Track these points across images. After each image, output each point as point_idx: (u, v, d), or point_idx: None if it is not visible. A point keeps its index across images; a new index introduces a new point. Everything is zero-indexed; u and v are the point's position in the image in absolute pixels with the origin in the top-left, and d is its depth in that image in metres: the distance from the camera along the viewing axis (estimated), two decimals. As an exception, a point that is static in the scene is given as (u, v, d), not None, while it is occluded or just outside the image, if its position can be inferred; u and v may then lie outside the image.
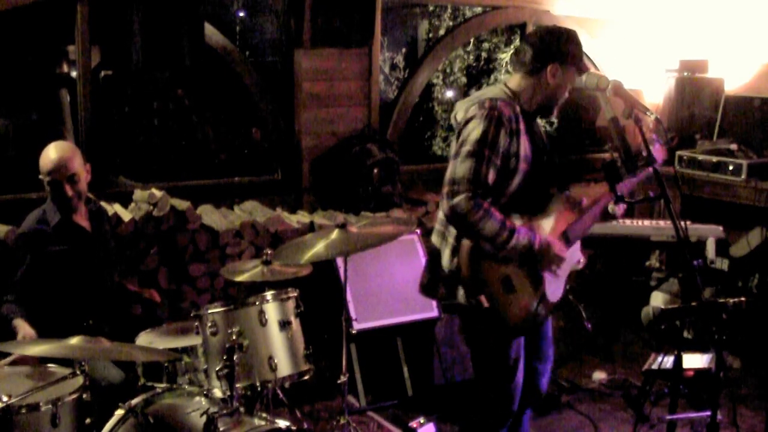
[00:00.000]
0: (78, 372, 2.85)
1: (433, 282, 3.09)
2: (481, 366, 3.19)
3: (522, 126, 2.95)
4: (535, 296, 2.97)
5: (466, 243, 2.89)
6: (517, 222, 2.92)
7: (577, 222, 3.10)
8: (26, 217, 3.55)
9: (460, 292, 2.95)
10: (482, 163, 2.81)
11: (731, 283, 5.24)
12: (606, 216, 3.19)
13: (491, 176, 2.84)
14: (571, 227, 3.08)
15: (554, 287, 3.04)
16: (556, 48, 2.99)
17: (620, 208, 3.16)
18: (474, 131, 2.87)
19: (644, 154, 3.06)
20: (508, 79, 3.11)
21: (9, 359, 3.08)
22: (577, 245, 3.17)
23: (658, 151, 3.11)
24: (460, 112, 3.03)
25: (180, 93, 6.11)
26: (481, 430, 3.23)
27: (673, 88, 6.00)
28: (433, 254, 3.11)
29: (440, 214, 3.05)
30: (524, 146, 2.95)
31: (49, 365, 3.03)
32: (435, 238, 3.12)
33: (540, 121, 3.22)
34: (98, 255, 3.60)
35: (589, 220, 3.14)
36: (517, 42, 7.31)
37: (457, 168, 2.86)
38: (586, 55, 6.33)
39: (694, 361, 4.14)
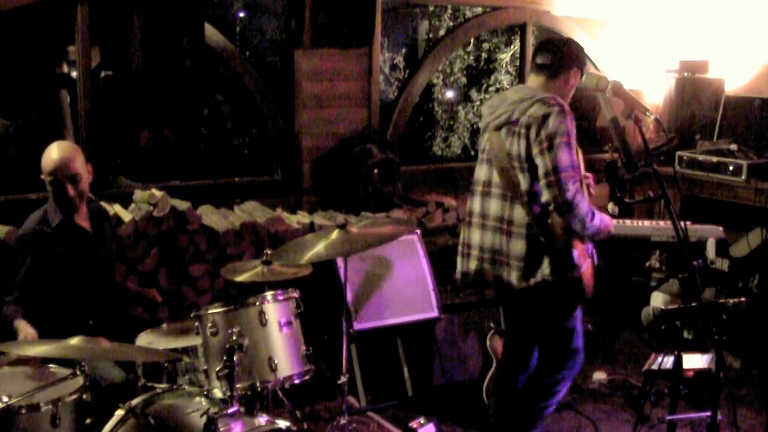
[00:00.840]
0: (78, 372, 2.85)
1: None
2: (555, 335, 3.54)
3: None
4: (592, 264, 3.42)
5: (558, 222, 3.24)
6: None
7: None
8: (27, 217, 3.55)
9: (544, 270, 3.28)
10: (573, 151, 3.19)
11: (731, 283, 5.24)
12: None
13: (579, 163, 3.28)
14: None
15: (599, 256, 3.51)
16: (575, 54, 3.38)
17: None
18: (561, 125, 3.17)
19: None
20: (531, 82, 3.41)
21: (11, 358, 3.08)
22: None
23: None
24: (516, 113, 3.27)
25: (192, 95, 6.10)
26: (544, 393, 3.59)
27: (673, 88, 6.00)
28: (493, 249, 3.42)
29: (493, 212, 3.40)
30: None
31: (50, 365, 3.03)
32: (490, 236, 3.42)
33: None
34: (98, 256, 3.60)
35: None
36: (517, 42, 7.32)
37: (559, 157, 3.16)
38: (587, 56, 6.35)
39: (694, 361, 4.14)
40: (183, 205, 4.51)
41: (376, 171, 5.11)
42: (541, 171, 3.19)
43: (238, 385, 2.93)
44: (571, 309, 3.50)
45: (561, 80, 3.35)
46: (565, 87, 3.37)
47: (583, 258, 3.33)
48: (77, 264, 3.50)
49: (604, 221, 3.32)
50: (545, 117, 3.17)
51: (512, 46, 8.20)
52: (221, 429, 2.76)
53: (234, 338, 2.88)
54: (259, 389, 3.16)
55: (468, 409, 4.35)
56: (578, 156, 3.26)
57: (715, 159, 5.41)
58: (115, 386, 3.28)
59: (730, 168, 5.29)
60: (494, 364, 4.31)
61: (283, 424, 2.96)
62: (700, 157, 5.51)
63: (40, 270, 3.44)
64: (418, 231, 4.64)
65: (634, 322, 5.52)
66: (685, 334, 4.95)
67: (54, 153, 3.40)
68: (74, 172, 3.40)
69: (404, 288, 4.44)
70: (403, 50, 8.24)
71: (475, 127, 8.48)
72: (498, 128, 3.34)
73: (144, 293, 3.89)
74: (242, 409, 2.93)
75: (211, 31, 4.88)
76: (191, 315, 3.24)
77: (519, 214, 3.30)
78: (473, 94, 8.47)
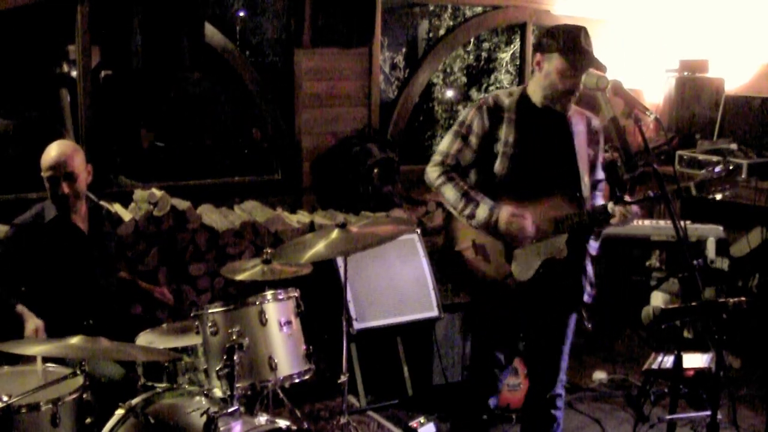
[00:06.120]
0: (78, 372, 2.85)
1: None
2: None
3: (512, 116, 3.19)
4: (502, 267, 3.19)
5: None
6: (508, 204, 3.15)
7: (568, 216, 3.17)
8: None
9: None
10: (456, 139, 3.23)
11: (731, 283, 5.24)
12: (605, 217, 3.20)
13: (465, 153, 3.22)
14: (560, 217, 3.16)
15: (523, 267, 3.19)
16: (539, 40, 3.21)
17: (635, 209, 3.20)
18: (461, 114, 3.29)
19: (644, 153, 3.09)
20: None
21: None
22: (563, 237, 3.19)
23: None
24: None
25: (192, 94, 6.09)
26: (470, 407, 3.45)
27: (673, 88, 6.00)
28: None
29: None
30: (507, 133, 3.18)
31: (49, 365, 3.03)
32: None
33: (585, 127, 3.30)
34: (94, 256, 3.60)
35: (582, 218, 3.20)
36: (517, 41, 7.32)
37: (442, 141, 3.29)
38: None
39: (694, 361, 4.14)
40: (183, 204, 4.51)
41: (376, 170, 5.11)
42: None
43: (238, 385, 2.92)
44: (471, 294, 3.45)
45: (534, 72, 3.21)
46: (539, 76, 3.19)
47: (475, 246, 3.23)
48: (72, 263, 3.50)
49: (489, 212, 3.13)
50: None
51: (512, 46, 8.21)
52: (221, 428, 2.76)
53: (234, 337, 2.88)
54: (259, 389, 3.16)
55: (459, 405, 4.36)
56: (462, 147, 3.22)
57: (715, 158, 5.41)
58: (115, 383, 3.28)
59: (730, 167, 5.28)
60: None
61: (283, 423, 2.96)
62: (700, 157, 5.50)
63: (34, 266, 3.45)
64: (418, 230, 4.64)
65: (634, 322, 5.53)
66: (685, 334, 4.95)
67: (53, 151, 3.44)
68: (70, 170, 3.42)
69: (404, 287, 4.44)
70: (403, 50, 8.25)
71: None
72: None
73: (154, 293, 3.88)
74: (242, 409, 2.92)
75: (211, 31, 4.88)
76: (191, 314, 3.24)
77: None
78: (473, 93, 8.47)
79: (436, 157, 3.25)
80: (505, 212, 3.12)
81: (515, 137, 3.16)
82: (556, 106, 3.20)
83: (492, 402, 3.41)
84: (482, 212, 3.12)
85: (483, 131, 3.18)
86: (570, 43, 3.08)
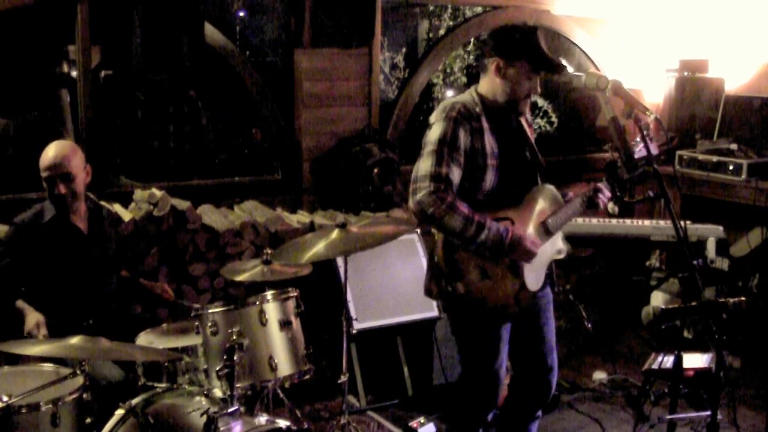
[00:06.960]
0: (78, 372, 2.85)
1: (428, 280, 3.18)
2: (462, 354, 3.25)
3: (486, 125, 3.04)
4: (514, 284, 3.05)
5: (440, 235, 3.02)
6: (499, 214, 3.01)
7: (556, 213, 3.15)
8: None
9: (428, 284, 3.11)
10: (442, 159, 2.92)
11: (731, 283, 5.25)
12: (591, 205, 3.22)
13: (455, 173, 2.95)
14: (550, 218, 3.13)
15: (534, 277, 3.11)
16: (498, 44, 3.09)
17: (605, 197, 3.22)
18: (434, 132, 2.99)
19: (644, 153, 3.09)
20: (479, 83, 3.18)
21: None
22: (559, 235, 3.22)
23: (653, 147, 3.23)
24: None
25: (192, 94, 6.09)
26: (466, 421, 3.28)
27: (673, 88, 6.00)
28: (431, 254, 3.19)
29: None
30: (489, 144, 3.03)
31: (49, 365, 3.04)
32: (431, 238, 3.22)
33: (539, 121, 3.28)
34: (93, 256, 3.60)
35: (570, 211, 3.19)
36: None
37: (420, 166, 2.97)
38: (585, 54, 6.35)
39: (694, 361, 4.14)
40: (183, 204, 4.51)
41: (376, 170, 5.11)
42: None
43: (238, 385, 2.93)
44: (475, 328, 3.12)
45: (491, 75, 3.08)
46: (498, 80, 3.07)
47: (482, 272, 2.99)
48: (71, 263, 3.51)
49: (499, 234, 2.93)
50: (431, 126, 3.04)
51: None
52: (221, 428, 2.76)
53: (234, 338, 2.88)
54: (259, 389, 3.16)
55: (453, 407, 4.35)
56: (451, 167, 2.92)
57: (715, 158, 5.41)
58: (115, 385, 3.28)
59: (730, 167, 5.29)
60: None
61: (283, 423, 2.96)
62: (700, 157, 5.51)
63: (33, 265, 3.45)
64: (418, 230, 4.64)
65: (634, 322, 5.54)
66: (685, 334, 4.96)
67: (51, 151, 3.46)
68: (67, 170, 3.43)
69: (404, 288, 4.44)
70: (403, 50, 8.23)
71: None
72: None
73: (155, 290, 3.89)
74: (242, 409, 2.93)
75: (211, 31, 4.88)
76: (191, 314, 3.24)
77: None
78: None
79: (426, 185, 2.89)
80: (516, 230, 2.99)
81: (498, 147, 3.04)
82: (515, 109, 3.12)
83: (490, 415, 3.33)
84: (493, 234, 2.92)
85: (467, 145, 2.97)
86: (534, 48, 3.02)
